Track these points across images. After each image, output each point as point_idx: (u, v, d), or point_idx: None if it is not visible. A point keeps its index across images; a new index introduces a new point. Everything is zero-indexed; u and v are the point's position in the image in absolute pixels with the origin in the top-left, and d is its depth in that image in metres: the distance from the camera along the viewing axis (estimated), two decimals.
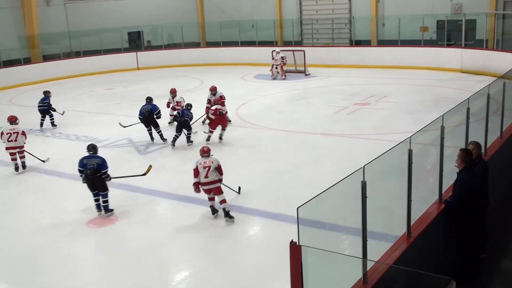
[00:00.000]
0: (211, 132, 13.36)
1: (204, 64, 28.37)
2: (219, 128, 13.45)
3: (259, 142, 13.46)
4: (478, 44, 22.93)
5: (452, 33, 23.96)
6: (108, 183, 9.28)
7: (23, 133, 12.05)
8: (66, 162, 12.47)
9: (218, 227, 8.59)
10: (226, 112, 13.77)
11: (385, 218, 6.46)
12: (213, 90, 14.91)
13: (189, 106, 13.63)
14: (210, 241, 8.17)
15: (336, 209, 5.68)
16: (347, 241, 6.49)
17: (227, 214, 8.72)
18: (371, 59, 24.92)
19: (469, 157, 6.35)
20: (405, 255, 5.25)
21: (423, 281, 4.01)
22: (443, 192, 6.49)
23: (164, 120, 14.63)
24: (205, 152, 8.98)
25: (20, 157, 12.02)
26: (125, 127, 14.51)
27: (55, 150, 13.65)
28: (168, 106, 15.13)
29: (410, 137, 5.50)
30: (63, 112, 16.77)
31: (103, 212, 9.28)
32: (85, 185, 9.20)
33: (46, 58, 27.91)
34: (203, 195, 8.97)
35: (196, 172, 8.80)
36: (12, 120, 12.13)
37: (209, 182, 8.76)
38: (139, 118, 13.79)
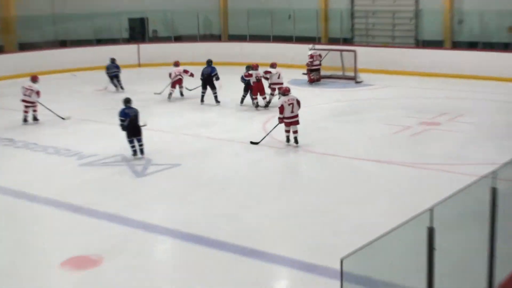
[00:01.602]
0: (255, 98, 19.19)
1: (225, 63, 28.47)
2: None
3: (292, 169, 13.42)
4: None
5: None
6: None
7: (38, 93, 17.30)
8: (42, 182, 12.56)
9: (234, 274, 8.49)
10: (261, 78, 19.03)
11: (459, 277, 6.33)
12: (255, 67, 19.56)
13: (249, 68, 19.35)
14: None
15: (393, 263, 5.59)
16: None
17: (296, 141, 14.21)
18: (443, 65, 24.85)
19: None
20: None
21: None
22: None
23: None
24: (287, 91, 14.43)
25: (33, 111, 17.50)
26: (190, 90, 20.90)
27: (27, 166, 13.80)
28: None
29: (495, 170, 5.45)
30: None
31: (139, 155, 13.63)
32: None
33: (24, 47, 28.52)
34: (213, 233, 9.11)
35: (282, 109, 13.94)
36: (34, 79, 17.62)
37: (294, 116, 14.08)
38: (201, 79, 19.85)
